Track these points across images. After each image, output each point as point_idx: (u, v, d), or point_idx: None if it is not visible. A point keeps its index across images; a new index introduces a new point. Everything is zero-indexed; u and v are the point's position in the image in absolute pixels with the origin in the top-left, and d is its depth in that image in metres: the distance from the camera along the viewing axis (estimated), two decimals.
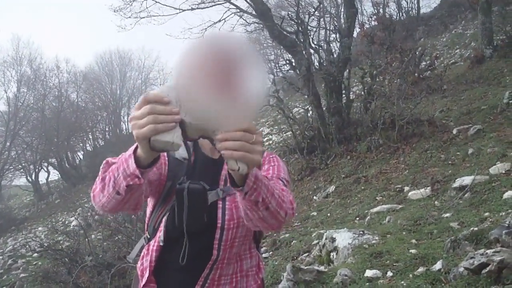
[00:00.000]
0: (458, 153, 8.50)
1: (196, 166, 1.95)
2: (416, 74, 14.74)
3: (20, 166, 40.48)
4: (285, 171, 2.00)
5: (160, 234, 1.90)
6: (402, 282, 4.31)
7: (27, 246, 18.21)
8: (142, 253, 2.00)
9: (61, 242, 12.74)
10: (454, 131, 9.52)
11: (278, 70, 34.07)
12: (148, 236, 1.98)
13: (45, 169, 41.62)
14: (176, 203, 1.85)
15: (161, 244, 1.90)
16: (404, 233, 5.77)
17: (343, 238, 5.89)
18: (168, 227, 1.89)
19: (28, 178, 40.27)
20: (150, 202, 1.99)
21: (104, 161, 1.63)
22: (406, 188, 8.03)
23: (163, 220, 1.90)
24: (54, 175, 42.50)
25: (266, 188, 1.58)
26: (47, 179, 41.25)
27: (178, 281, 1.93)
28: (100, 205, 1.65)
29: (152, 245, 1.94)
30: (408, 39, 20.33)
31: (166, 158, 1.95)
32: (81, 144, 45.44)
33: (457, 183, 6.87)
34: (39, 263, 14.99)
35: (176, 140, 1.38)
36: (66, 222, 23.36)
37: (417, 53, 15.71)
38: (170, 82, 1.47)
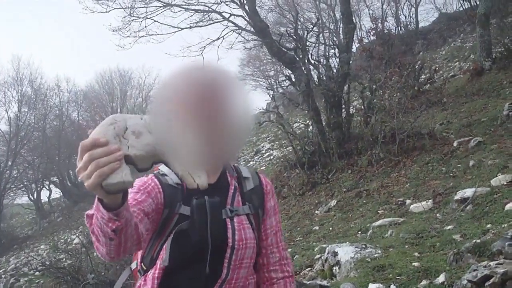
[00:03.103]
0: (459, 165, 8.50)
1: (191, 191, 1.76)
2: (415, 88, 14.78)
3: (22, 185, 40.49)
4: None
5: (161, 260, 1.83)
6: None
7: (29, 264, 18.19)
8: (138, 284, 1.93)
9: (63, 260, 12.71)
10: (455, 144, 9.52)
11: (278, 86, 34.13)
12: (145, 268, 1.91)
13: (47, 188, 41.66)
14: (196, 217, 1.81)
15: (165, 265, 1.82)
16: (406, 246, 5.76)
17: (346, 252, 5.88)
18: (178, 250, 1.82)
19: (30, 196, 40.32)
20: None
21: (85, 216, 1.56)
22: (408, 201, 8.03)
23: (165, 246, 1.84)
24: (56, 193, 42.54)
25: None
26: (49, 197, 41.30)
27: None
28: (106, 255, 1.59)
29: (151, 274, 1.86)
30: (407, 53, 20.39)
31: (160, 186, 1.89)
32: None
33: (459, 195, 6.87)
34: (41, 281, 14.95)
35: (126, 178, 1.34)
36: (68, 240, 23.32)
37: (416, 66, 15.76)
38: (106, 120, 1.41)
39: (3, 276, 20.06)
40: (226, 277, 1.85)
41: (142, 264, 1.92)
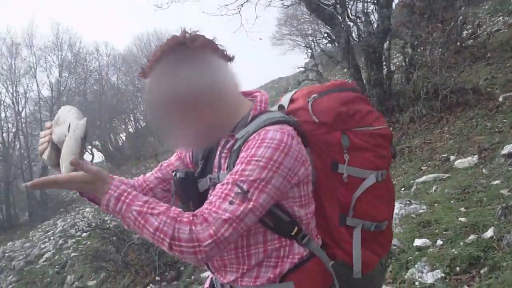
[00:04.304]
0: (505, 120, 8.30)
1: (212, 150, 1.88)
2: (458, 43, 14.37)
3: None
4: (262, 162, 1.62)
5: None
6: (453, 250, 4.27)
7: (76, 226, 18.69)
8: None
9: (108, 221, 12.98)
10: (500, 99, 9.28)
11: (315, 44, 33.65)
12: None
13: (90, 152, 42.56)
14: (172, 192, 1.95)
15: None
16: (452, 201, 5.69)
17: None
18: None
19: None
20: None
21: None
22: (452, 157, 7.88)
23: None
24: (99, 157, 43.53)
25: (133, 220, 1.60)
26: (92, 161, 42.14)
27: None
28: None
29: None
30: (449, 8, 19.80)
31: None
32: (123, 126, 46.21)
33: (506, 150, 6.70)
34: (88, 242, 15.38)
35: (45, 157, 1.75)
36: None
37: (458, 21, 15.29)
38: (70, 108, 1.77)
39: (51, 237, 20.74)
40: None
41: None
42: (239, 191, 1.59)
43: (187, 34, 1.73)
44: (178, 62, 1.68)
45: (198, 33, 1.76)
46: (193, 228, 1.56)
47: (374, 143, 1.92)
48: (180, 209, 1.64)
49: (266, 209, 1.65)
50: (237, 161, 1.67)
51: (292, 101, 1.96)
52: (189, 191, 1.83)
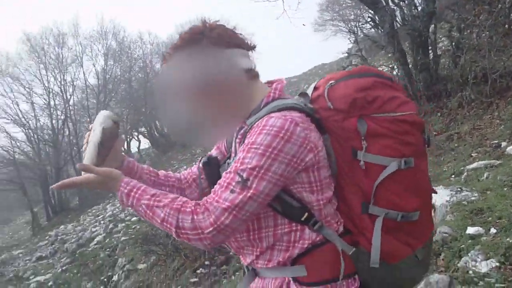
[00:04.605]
0: None
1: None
2: (506, 26, 14.02)
3: None
4: (260, 149, 1.66)
5: None
6: (508, 239, 4.25)
7: (126, 211, 19.11)
8: None
9: None
10: None
11: (358, 29, 33.24)
12: None
13: (136, 138, 43.41)
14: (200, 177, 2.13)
15: None
16: (505, 189, 5.61)
17: (441, 195, 5.81)
18: None
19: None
20: None
21: None
22: (504, 144, 7.77)
23: None
24: (145, 143, 44.28)
25: (144, 213, 1.77)
26: (138, 147, 43.06)
27: None
28: None
29: None
30: None
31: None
32: None
33: None
34: (138, 226, 15.74)
35: (84, 155, 1.88)
36: None
37: (506, 3, 14.90)
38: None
39: (102, 222, 21.31)
40: None
41: None
42: (239, 179, 1.65)
43: (207, 24, 1.82)
44: (194, 50, 1.78)
45: (218, 23, 1.84)
46: (195, 217, 1.67)
47: (395, 129, 1.82)
48: (185, 199, 1.76)
49: (270, 195, 1.68)
50: (240, 148, 1.73)
51: (315, 88, 1.97)
52: (213, 175, 1.97)
